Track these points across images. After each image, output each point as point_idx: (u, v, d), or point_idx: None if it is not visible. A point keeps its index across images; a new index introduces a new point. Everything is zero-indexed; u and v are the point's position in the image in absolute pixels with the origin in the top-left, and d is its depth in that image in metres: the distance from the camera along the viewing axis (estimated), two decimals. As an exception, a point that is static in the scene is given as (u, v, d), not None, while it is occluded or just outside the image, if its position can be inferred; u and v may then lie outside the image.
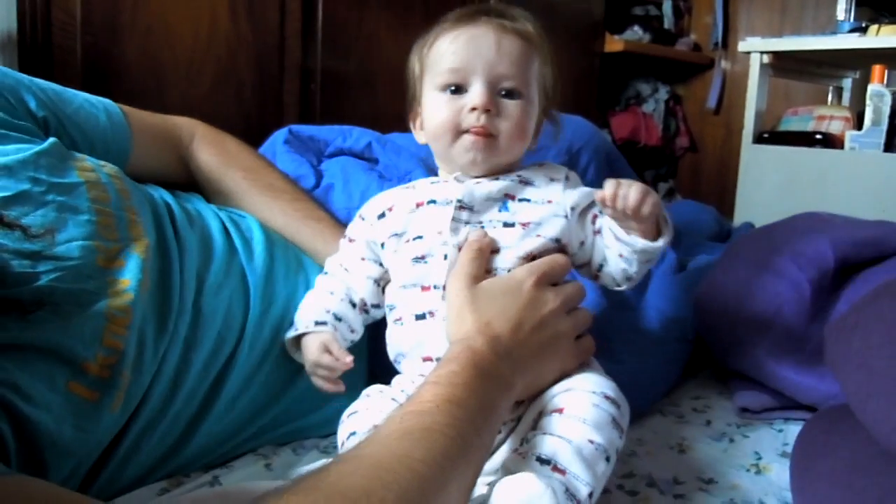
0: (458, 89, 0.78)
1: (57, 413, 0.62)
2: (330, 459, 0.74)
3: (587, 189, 0.81)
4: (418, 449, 0.55)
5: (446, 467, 0.56)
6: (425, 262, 0.78)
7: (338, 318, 0.84)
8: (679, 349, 1.09)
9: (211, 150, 1.03)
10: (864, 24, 2.44)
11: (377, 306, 0.85)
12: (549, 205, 0.80)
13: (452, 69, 0.77)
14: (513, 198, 0.80)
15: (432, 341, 0.76)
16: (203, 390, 0.78)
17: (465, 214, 0.78)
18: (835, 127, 2.51)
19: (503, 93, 0.78)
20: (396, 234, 0.81)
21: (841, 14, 2.63)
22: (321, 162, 1.31)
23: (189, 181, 1.02)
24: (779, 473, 0.83)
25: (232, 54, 2.02)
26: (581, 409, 0.68)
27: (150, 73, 1.89)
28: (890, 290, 0.75)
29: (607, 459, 0.66)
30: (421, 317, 0.77)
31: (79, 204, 0.75)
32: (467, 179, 0.80)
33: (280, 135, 1.34)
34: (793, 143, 2.52)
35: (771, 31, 3.14)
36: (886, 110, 2.26)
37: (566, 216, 0.79)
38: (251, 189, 1.00)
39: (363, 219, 0.87)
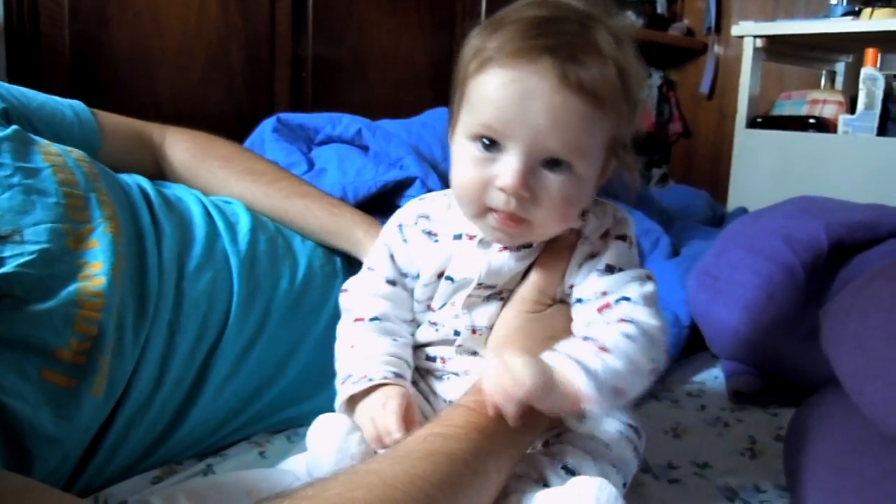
0: (493, 144, 0.62)
1: (32, 402, 0.62)
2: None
3: (598, 275, 0.68)
4: (436, 473, 0.54)
5: (459, 495, 0.55)
6: (437, 330, 0.72)
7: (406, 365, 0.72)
8: (673, 334, 1.09)
9: (184, 144, 1.01)
10: (857, 8, 2.43)
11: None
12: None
13: (488, 125, 0.61)
14: None
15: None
16: (190, 376, 0.78)
17: (484, 291, 0.70)
18: (828, 111, 2.51)
19: (548, 161, 0.62)
20: (418, 301, 0.74)
21: (834, -2, 2.62)
22: (311, 150, 1.31)
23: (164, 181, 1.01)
24: (773, 457, 0.83)
25: (222, 42, 2.01)
26: (605, 432, 0.68)
27: (138, 62, 1.87)
28: (886, 273, 0.74)
29: (624, 484, 0.66)
30: (432, 359, 0.73)
31: (46, 187, 0.73)
32: (492, 245, 0.69)
33: (269, 124, 1.33)
34: (786, 127, 2.52)
35: (764, 16, 3.12)
36: (879, 94, 2.26)
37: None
38: (230, 177, 0.98)
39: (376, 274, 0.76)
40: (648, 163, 3.51)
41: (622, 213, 0.71)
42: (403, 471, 0.53)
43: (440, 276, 0.71)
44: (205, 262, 0.82)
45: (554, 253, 0.69)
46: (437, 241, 0.72)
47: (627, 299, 0.65)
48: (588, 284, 0.68)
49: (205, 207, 0.89)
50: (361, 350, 0.70)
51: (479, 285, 0.69)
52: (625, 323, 0.64)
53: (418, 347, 0.74)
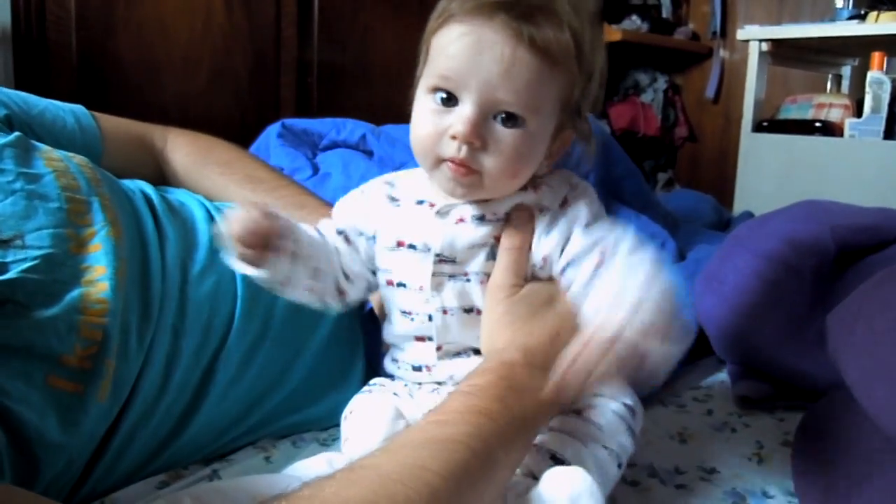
0: (450, 98, 0.64)
1: (38, 408, 0.62)
2: (331, 453, 0.74)
3: (565, 231, 0.68)
4: (436, 460, 0.52)
5: (464, 482, 0.52)
6: (412, 320, 0.72)
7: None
8: (679, 338, 1.08)
9: (185, 149, 1.02)
10: (863, 11, 2.43)
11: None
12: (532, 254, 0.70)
13: (444, 76, 0.64)
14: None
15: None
16: (195, 379, 0.78)
17: (447, 268, 0.69)
18: (834, 115, 2.51)
19: (502, 116, 0.64)
20: (380, 270, 0.74)
21: (839, 1, 2.62)
22: (316, 155, 1.31)
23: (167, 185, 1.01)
24: (781, 462, 0.83)
25: (227, 48, 2.02)
26: (599, 414, 0.67)
27: (145, 68, 1.88)
28: (893, 277, 0.74)
29: (619, 466, 0.66)
30: (417, 368, 0.73)
31: (48, 192, 0.74)
32: (449, 215, 0.70)
33: (273, 129, 1.34)
34: (792, 131, 2.51)
35: (769, 19, 3.12)
36: (886, 97, 2.26)
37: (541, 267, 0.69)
38: (229, 184, 0.98)
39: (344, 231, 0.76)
40: (654, 167, 3.50)
41: (577, 178, 0.72)
42: (400, 462, 0.51)
43: (401, 244, 0.71)
44: (208, 266, 0.82)
45: (515, 234, 0.69)
46: (398, 205, 0.73)
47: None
48: (574, 244, 0.67)
49: (208, 212, 0.90)
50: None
51: (438, 257, 0.69)
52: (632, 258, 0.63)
53: (399, 357, 0.75)
